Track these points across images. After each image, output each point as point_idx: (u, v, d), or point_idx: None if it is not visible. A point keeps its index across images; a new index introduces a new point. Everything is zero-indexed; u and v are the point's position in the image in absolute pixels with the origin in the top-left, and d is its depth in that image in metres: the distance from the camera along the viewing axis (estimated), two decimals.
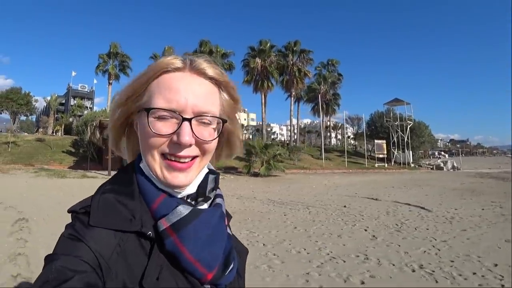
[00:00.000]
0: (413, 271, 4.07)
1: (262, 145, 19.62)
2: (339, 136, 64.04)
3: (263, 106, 30.42)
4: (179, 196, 0.56)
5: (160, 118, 0.52)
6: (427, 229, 6.39)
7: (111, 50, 32.07)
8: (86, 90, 63.19)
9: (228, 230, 0.61)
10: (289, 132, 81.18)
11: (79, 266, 0.44)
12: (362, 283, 3.69)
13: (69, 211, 0.53)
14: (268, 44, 29.60)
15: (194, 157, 0.54)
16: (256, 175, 19.12)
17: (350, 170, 26.38)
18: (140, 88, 0.55)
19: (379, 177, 21.25)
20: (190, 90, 0.53)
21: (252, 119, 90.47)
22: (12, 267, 3.91)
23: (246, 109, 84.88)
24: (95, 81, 64.27)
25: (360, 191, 12.76)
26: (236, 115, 0.64)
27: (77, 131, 23.51)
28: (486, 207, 8.95)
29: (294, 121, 35.71)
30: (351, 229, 6.33)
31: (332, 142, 55.07)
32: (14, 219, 6.48)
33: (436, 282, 3.73)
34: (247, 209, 8.47)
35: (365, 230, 6.27)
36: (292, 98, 32.10)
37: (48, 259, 0.46)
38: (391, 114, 33.60)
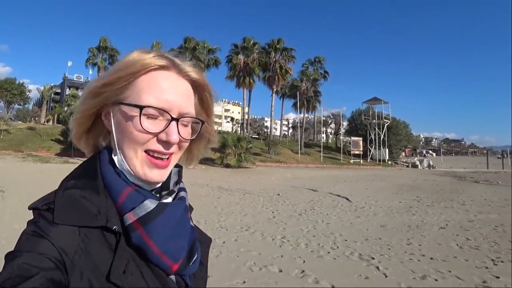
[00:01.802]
0: (273, 239, 5.34)
1: (235, 138, 20.85)
2: (331, 131, 65.44)
3: (245, 102, 31.84)
4: (149, 189, 0.57)
5: (149, 116, 0.53)
6: (327, 214, 7.66)
7: (101, 44, 33.22)
8: (81, 80, 64.01)
9: (191, 222, 0.63)
10: (283, 127, 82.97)
11: (43, 263, 0.43)
12: (235, 240, 4.95)
13: (30, 208, 0.52)
14: (251, 42, 30.82)
15: (171, 154, 0.56)
16: (228, 166, 20.40)
17: (324, 165, 27.70)
18: (122, 81, 0.54)
19: (346, 172, 22.57)
20: (176, 91, 0.55)
21: (246, 113, 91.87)
22: None
23: (240, 103, 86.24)
24: (90, 72, 64.82)
25: (310, 184, 14.03)
26: (212, 114, 0.66)
27: (65, 121, 24.74)
28: (404, 201, 10.20)
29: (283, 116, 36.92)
30: (261, 210, 7.61)
31: (319, 138, 56.23)
32: None
33: (293, 246, 4.98)
34: (190, 192, 9.73)
35: (272, 212, 7.55)
36: (275, 95, 33.50)
37: (10, 256, 0.45)
38: (370, 113, 34.85)
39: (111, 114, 0.56)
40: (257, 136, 46.05)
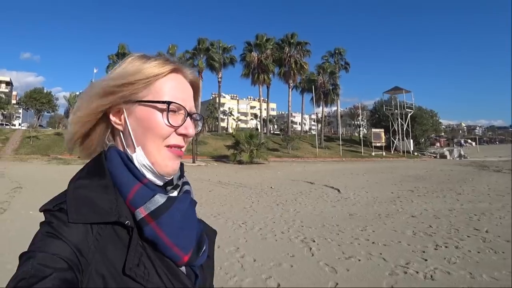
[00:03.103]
0: (233, 224, 5.79)
1: (247, 135, 21.36)
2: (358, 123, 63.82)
3: (261, 98, 32.09)
4: (161, 183, 0.60)
5: (170, 111, 0.57)
6: (305, 204, 7.96)
7: (119, 51, 35.46)
8: None
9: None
10: (312, 122, 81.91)
11: (57, 263, 0.45)
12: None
13: (41, 210, 0.53)
14: (264, 38, 31.03)
15: (183, 147, 0.61)
16: (241, 162, 20.98)
17: (343, 159, 27.37)
18: (142, 82, 0.57)
19: (362, 165, 22.28)
20: (185, 91, 0.62)
21: (273, 109, 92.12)
22: None
23: (264, 99, 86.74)
24: None
25: (313, 177, 14.21)
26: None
27: None
28: (397, 191, 10.14)
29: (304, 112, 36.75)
30: (242, 201, 8.10)
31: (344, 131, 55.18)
32: (12, 187, 9.32)
33: (246, 230, 5.41)
34: None
35: (252, 203, 8.01)
36: (291, 90, 33.52)
37: (24, 256, 0.46)
38: (393, 103, 33.68)
39: (125, 112, 0.59)
40: (279, 132, 46.15)
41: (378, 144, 31.66)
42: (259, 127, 51.61)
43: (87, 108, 0.59)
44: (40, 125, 44.21)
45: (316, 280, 3.56)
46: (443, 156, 32.01)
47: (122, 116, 0.59)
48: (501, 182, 12.14)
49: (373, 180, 13.30)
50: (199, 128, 0.66)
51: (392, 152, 31.76)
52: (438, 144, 56.03)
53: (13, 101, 56.44)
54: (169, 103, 0.57)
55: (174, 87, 0.59)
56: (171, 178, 0.62)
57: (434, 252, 4.45)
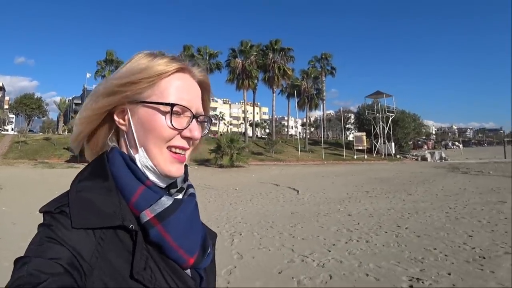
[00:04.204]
0: None
1: (228, 139, 21.91)
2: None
3: (245, 102, 32.71)
4: (164, 185, 0.59)
5: (175, 113, 0.56)
6: (255, 203, 8.51)
7: (107, 57, 36.25)
8: None
9: None
10: (303, 127, 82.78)
11: (53, 268, 0.43)
12: None
13: (42, 212, 0.52)
14: (249, 45, 31.98)
15: (187, 150, 0.60)
16: (221, 166, 21.49)
17: (325, 162, 27.99)
18: (145, 81, 0.56)
19: (338, 168, 22.89)
20: (192, 91, 0.59)
21: (265, 113, 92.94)
22: None
23: (258, 103, 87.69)
24: None
25: (284, 179, 14.79)
26: (209, 113, 0.68)
27: None
28: (353, 192, 10.70)
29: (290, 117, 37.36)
30: (199, 201, 8.59)
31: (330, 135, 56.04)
32: None
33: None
34: None
35: (208, 202, 8.57)
36: (275, 94, 34.44)
37: (20, 262, 0.45)
38: (375, 107, 34.53)
39: (129, 112, 0.58)
40: (266, 136, 46.78)
41: (360, 148, 32.40)
42: (248, 131, 52.47)
43: (92, 108, 0.58)
44: (30, 130, 44.59)
45: (220, 263, 4.06)
46: (424, 158, 32.74)
47: (126, 117, 0.58)
48: (460, 183, 12.75)
49: (340, 182, 13.89)
50: (206, 131, 0.65)
51: (374, 155, 32.48)
52: (425, 147, 57.10)
53: (6, 106, 56.77)
54: (172, 105, 0.55)
55: (179, 87, 0.58)
56: (175, 180, 0.61)
57: (342, 245, 4.97)
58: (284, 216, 7.06)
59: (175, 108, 0.55)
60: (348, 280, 3.69)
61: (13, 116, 55.16)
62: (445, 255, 4.42)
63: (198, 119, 0.60)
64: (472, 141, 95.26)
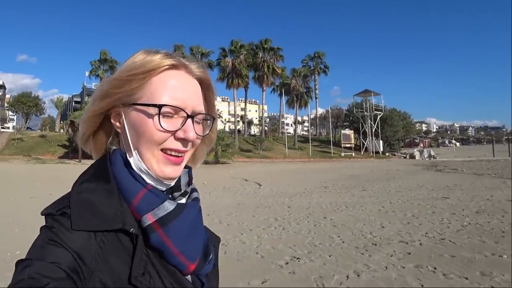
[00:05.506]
0: None
1: None
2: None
3: (235, 101, 33.48)
4: (164, 189, 0.57)
5: (166, 114, 0.53)
6: (213, 195, 9.18)
7: (101, 57, 37.18)
8: None
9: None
10: (300, 125, 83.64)
11: (54, 272, 0.43)
12: None
13: (43, 214, 0.51)
14: (239, 44, 32.72)
15: (185, 152, 0.57)
16: (207, 163, 22.22)
17: (312, 159, 28.60)
18: (135, 82, 0.54)
19: (321, 165, 23.57)
20: (188, 89, 0.56)
21: (265, 111, 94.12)
22: None
23: (257, 101, 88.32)
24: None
25: (259, 176, 15.48)
26: (215, 111, 0.66)
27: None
28: (314, 188, 11.35)
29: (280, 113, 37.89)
30: None
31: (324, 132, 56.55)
32: None
33: None
34: None
35: None
36: (264, 92, 35.24)
37: (21, 265, 0.44)
38: (364, 105, 35.04)
39: (123, 115, 0.56)
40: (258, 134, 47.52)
41: (348, 145, 32.95)
42: (241, 129, 53.13)
43: (90, 109, 0.58)
44: (28, 128, 45.80)
45: None
46: (412, 156, 33.17)
47: (121, 119, 0.57)
48: (424, 180, 13.23)
49: (310, 178, 14.53)
50: (207, 131, 0.61)
51: (362, 153, 33.02)
52: (421, 145, 57.45)
53: (6, 104, 58.03)
54: (160, 106, 0.53)
55: (173, 86, 0.55)
56: (179, 184, 0.61)
57: (257, 231, 5.59)
58: (228, 206, 7.74)
59: (166, 109, 0.53)
60: (241, 256, 4.33)
61: (14, 114, 56.52)
62: (342, 241, 4.90)
63: (195, 119, 0.56)
64: (471, 139, 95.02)
